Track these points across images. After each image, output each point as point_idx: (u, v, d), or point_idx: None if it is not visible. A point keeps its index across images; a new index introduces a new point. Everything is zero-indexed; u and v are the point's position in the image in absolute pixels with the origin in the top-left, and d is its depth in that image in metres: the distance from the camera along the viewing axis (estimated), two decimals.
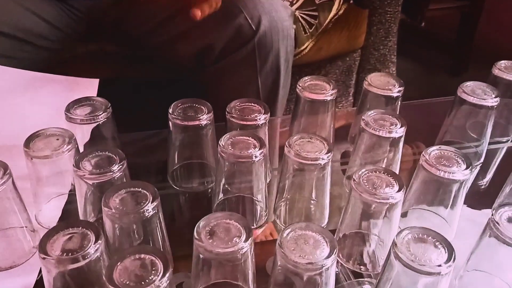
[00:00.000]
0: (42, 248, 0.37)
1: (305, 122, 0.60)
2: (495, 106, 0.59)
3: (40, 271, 0.46)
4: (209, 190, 0.58)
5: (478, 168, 0.65)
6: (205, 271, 0.40)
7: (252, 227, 0.54)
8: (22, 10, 0.80)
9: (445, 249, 0.38)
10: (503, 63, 0.65)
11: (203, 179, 0.58)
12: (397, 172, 0.56)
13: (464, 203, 0.62)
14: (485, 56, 0.72)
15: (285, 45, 0.82)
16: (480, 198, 0.64)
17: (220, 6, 0.74)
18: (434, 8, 1.75)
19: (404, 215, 0.54)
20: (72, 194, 0.52)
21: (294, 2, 1.05)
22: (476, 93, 0.59)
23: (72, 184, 0.52)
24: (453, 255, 0.37)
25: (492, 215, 0.42)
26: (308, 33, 1.08)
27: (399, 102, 0.61)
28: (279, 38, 0.80)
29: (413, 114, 0.82)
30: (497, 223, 0.41)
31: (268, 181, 0.59)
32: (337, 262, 0.50)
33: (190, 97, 0.56)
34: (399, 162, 0.55)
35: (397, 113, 0.61)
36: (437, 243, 0.38)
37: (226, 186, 0.51)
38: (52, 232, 0.38)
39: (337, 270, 0.51)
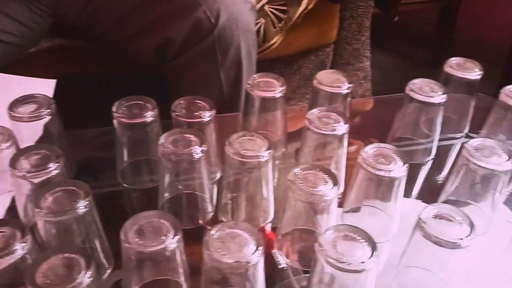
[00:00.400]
0: None
1: (256, 120, 0.61)
2: (442, 103, 0.59)
3: None
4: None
5: (429, 163, 0.66)
6: (136, 269, 0.41)
7: (199, 224, 0.54)
8: None
9: (369, 246, 0.39)
10: (454, 60, 0.65)
11: (152, 176, 0.58)
12: (342, 169, 0.56)
13: (418, 198, 0.64)
14: (465, 50, 0.73)
15: (246, 39, 0.81)
16: (434, 193, 0.64)
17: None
18: (413, 2, 1.75)
19: (356, 210, 0.55)
20: None
21: None
22: (424, 90, 0.59)
23: None
24: (376, 251, 0.38)
25: (420, 214, 0.42)
26: (277, 28, 1.07)
27: (349, 99, 0.61)
28: (239, 32, 0.80)
29: (370, 110, 0.83)
30: (424, 221, 0.41)
31: (218, 178, 0.59)
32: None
33: (152, 93, 0.56)
34: (345, 159, 0.56)
35: (347, 110, 0.61)
36: (361, 240, 0.39)
37: (170, 184, 0.52)
38: None
39: (285, 265, 0.52)
